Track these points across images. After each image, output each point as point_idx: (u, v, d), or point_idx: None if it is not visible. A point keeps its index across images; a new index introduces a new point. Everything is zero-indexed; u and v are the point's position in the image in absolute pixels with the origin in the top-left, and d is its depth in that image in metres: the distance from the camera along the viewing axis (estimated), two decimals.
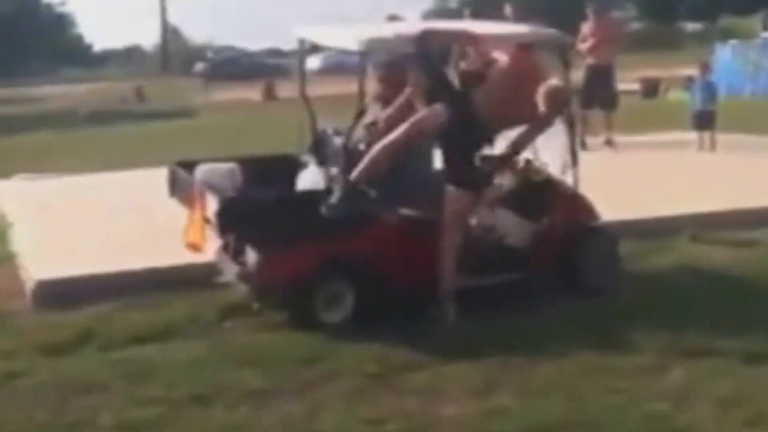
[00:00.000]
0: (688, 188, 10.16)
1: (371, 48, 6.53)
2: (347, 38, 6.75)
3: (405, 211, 6.46)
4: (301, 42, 7.60)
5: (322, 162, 6.90)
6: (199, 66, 49.57)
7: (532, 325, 6.15)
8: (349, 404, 5.14)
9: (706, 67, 14.53)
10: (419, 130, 6.36)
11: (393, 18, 8.65)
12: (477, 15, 12.77)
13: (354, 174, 6.22)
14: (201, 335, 6.24)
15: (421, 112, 6.42)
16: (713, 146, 12.99)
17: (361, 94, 6.48)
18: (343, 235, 6.26)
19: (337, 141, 6.76)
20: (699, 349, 5.70)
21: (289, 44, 7.73)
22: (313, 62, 41.66)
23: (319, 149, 7.08)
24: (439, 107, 6.34)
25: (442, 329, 6.14)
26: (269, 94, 31.50)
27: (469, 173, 6.40)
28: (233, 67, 48.07)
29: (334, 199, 6.18)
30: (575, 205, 7.03)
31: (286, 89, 15.01)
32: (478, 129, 6.39)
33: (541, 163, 6.94)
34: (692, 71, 16.48)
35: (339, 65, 35.83)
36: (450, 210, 6.32)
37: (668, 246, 8.00)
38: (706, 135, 13.11)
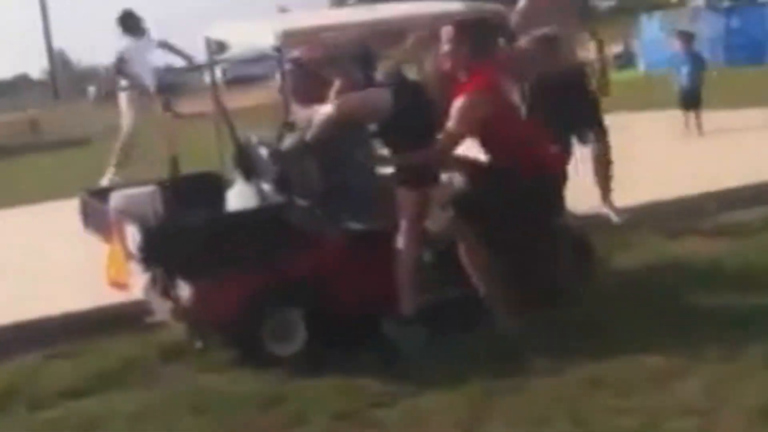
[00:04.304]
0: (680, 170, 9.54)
1: (290, 43, 5.99)
2: (263, 32, 6.14)
3: (350, 225, 5.93)
4: (208, 43, 6.99)
5: (250, 176, 6.37)
6: (91, 89, 48.26)
7: (515, 340, 5.45)
8: None
9: (689, 37, 12.74)
10: (367, 105, 5.90)
11: (283, 11, 8.09)
12: None
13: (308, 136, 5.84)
14: (141, 383, 5.66)
15: (369, 90, 5.98)
16: (700, 128, 11.71)
17: (285, 97, 5.96)
18: (286, 256, 5.75)
19: (264, 152, 6.25)
20: (715, 353, 5.03)
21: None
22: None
23: (245, 163, 6.51)
24: (385, 91, 5.87)
25: (412, 354, 5.56)
26: (171, 110, 30.60)
27: (417, 169, 5.84)
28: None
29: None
30: None
31: (189, 104, 14.37)
32: (426, 120, 5.86)
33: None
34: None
35: (239, 77, 34.85)
36: (403, 215, 5.78)
37: (650, 240, 7.26)
38: (692, 115, 11.81)
